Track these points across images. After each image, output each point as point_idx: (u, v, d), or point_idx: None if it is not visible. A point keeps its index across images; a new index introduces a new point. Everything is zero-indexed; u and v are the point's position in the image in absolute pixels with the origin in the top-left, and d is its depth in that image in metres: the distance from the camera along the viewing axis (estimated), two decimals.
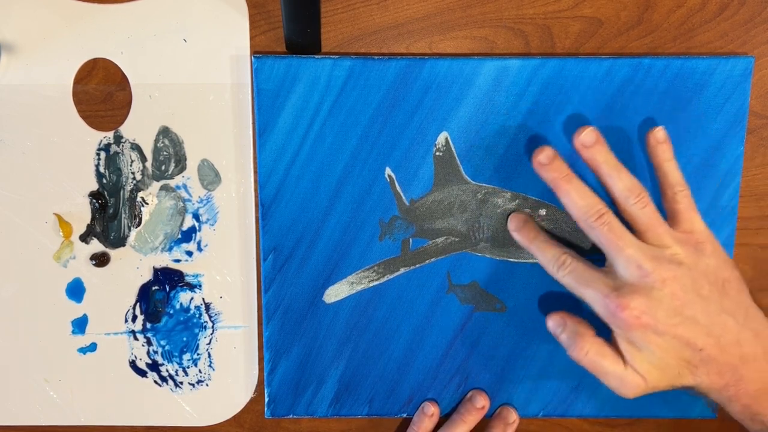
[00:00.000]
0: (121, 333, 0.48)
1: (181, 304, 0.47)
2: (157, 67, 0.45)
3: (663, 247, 0.40)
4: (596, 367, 0.40)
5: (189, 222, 0.47)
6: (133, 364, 0.48)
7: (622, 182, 0.40)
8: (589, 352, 0.40)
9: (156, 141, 0.46)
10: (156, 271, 0.47)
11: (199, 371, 0.48)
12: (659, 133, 0.42)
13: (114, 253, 0.47)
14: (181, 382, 0.48)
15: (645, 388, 0.40)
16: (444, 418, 0.48)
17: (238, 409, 0.49)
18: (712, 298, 0.39)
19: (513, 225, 0.45)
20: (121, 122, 0.46)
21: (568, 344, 0.41)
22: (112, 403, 0.49)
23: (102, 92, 0.46)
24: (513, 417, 0.47)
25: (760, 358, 0.39)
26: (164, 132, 0.46)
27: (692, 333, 0.38)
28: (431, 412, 0.47)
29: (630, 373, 0.40)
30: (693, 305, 0.39)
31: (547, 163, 0.41)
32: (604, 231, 0.40)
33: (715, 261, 0.40)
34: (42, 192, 0.46)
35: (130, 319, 0.48)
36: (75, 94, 0.46)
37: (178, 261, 0.47)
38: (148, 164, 0.46)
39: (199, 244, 0.47)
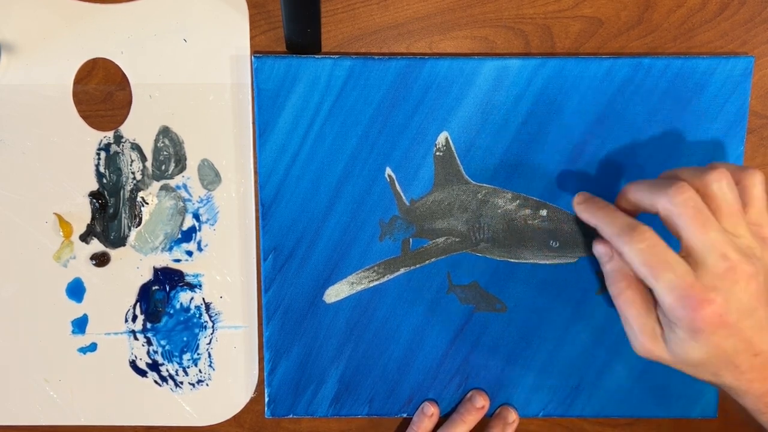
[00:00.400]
0: (121, 333, 0.48)
1: (181, 304, 0.47)
2: (157, 67, 0.45)
3: (738, 236, 0.36)
4: (623, 311, 0.38)
5: (189, 222, 0.47)
6: (133, 364, 0.48)
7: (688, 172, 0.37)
8: (624, 292, 0.38)
9: (156, 141, 0.46)
10: (156, 271, 0.47)
11: (199, 371, 0.48)
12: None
13: (114, 253, 0.47)
14: (181, 382, 0.48)
15: (659, 360, 0.38)
16: (444, 418, 0.48)
17: (238, 409, 0.49)
18: None
19: (578, 198, 0.41)
20: (121, 122, 0.46)
21: (609, 275, 0.39)
22: (112, 403, 0.49)
23: (102, 92, 0.46)
24: (512, 417, 0.47)
25: None
26: (164, 132, 0.46)
27: (758, 336, 0.36)
28: (431, 412, 0.47)
29: (654, 343, 0.37)
30: (765, 306, 0.36)
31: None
32: (690, 211, 0.35)
33: None
34: (42, 192, 0.46)
35: (130, 319, 0.48)
36: (75, 94, 0.46)
37: (178, 261, 0.47)
38: (148, 164, 0.46)
39: (199, 244, 0.47)
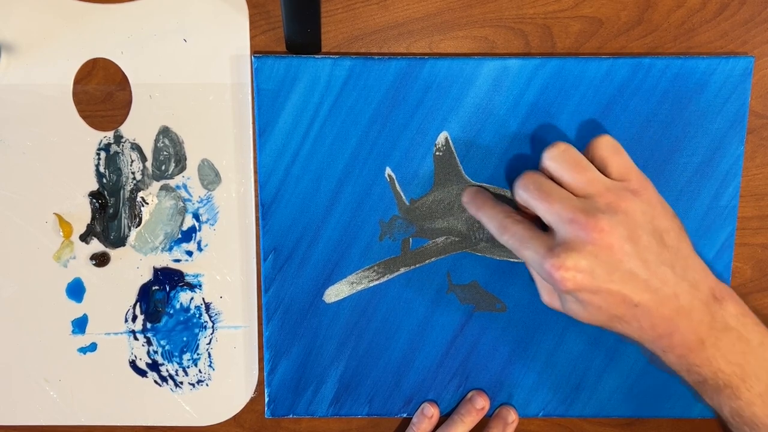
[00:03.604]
0: (121, 333, 0.48)
1: (181, 304, 0.47)
2: (157, 67, 0.45)
3: (596, 195, 0.38)
4: (521, 249, 0.39)
5: (189, 222, 0.47)
6: (133, 364, 0.48)
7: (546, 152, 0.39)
8: (517, 232, 0.39)
9: (156, 141, 0.46)
10: (156, 271, 0.47)
11: (199, 371, 0.48)
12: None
13: (114, 253, 0.47)
14: (181, 382, 0.48)
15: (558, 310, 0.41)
16: (445, 417, 0.48)
17: (238, 409, 0.49)
18: (651, 249, 0.37)
19: (465, 197, 0.44)
20: (121, 122, 0.46)
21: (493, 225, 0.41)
22: (112, 403, 0.49)
23: (102, 92, 0.46)
24: (512, 417, 0.47)
25: (696, 308, 0.38)
26: (164, 132, 0.46)
27: (629, 289, 0.37)
28: (431, 413, 0.47)
29: (552, 297, 0.41)
30: (631, 258, 0.37)
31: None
32: (532, 192, 0.38)
33: (652, 209, 0.38)
34: (42, 192, 0.46)
35: (130, 319, 0.48)
36: (75, 94, 0.46)
37: (178, 261, 0.47)
38: (148, 164, 0.46)
39: (199, 244, 0.47)
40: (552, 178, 0.39)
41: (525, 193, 0.39)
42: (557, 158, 0.39)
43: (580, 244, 0.37)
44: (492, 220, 0.41)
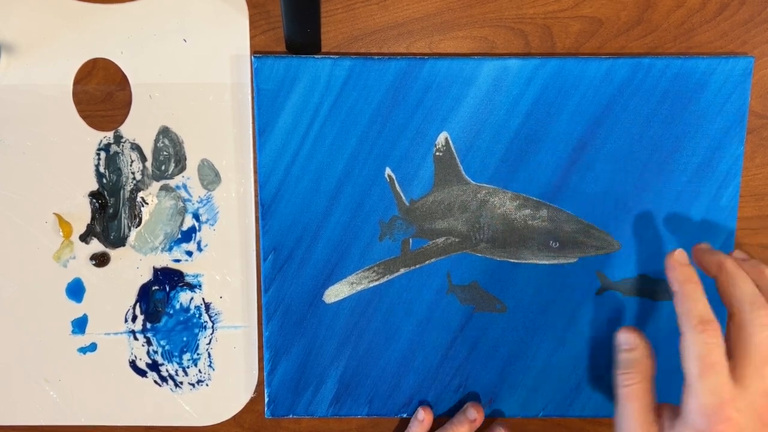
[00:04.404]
0: (121, 333, 0.48)
1: (181, 304, 0.47)
2: (157, 67, 0.45)
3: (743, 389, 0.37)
4: (625, 402, 0.40)
5: (189, 222, 0.47)
6: (133, 364, 0.48)
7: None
8: (635, 385, 0.40)
9: (156, 141, 0.46)
10: (156, 271, 0.47)
11: (199, 371, 0.48)
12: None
13: (114, 253, 0.47)
14: (181, 382, 0.48)
15: None
16: (443, 419, 0.48)
17: (238, 409, 0.49)
18: None
19: (678, 257, 0.41)
20: (121, 122, 0.46)
21: (623, 365, 0.41)
22: (112, 403, 0.49)
23: (102, 92, 0.46)
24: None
25: None
26: (164, 132, 0.46)
27: None
28: (422, 417, 0.47)
29: None
30: None
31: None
32: (764, 333, 0.37)
33: None
34: (42, 192, 0.46)
35: (130, 319, 0.48)
36: (75, 94, 0.46)
37: (178, 261, 0.47)
38: (148, 164, 0.46)
39: (199, 244, 0.47)
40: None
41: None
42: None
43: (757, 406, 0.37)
44: (695, 307, 0.38)
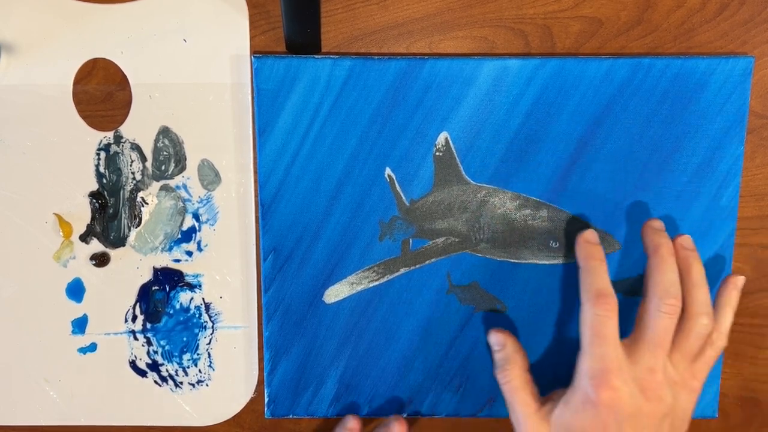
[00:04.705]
0: (121, 333, 0.48)
1: (181, 304, 0.47)
2: (157, 67, 0.45)
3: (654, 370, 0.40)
4: (510, 397, 0.42)
5: (189, 222, 0.47)
6: (133, 364, 0.48)
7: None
8: (511, 381, 0.42)
9: (156, 141, 0.46)
10: (156, 271, 0.47)
11: (199, 371, 0.48)
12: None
13: (114, 253, 0.47)
14: (181, 382, 0.48)
15: None
16: (432, 420, 0.48)
17: (238, 409, 0.49)
18: None
19: (586, 236, 0.43)
20: (121, 122, 0.46)
21: (498, 364, 0.43)
22: (112, 403, 0.49)
23: (102, 92, 0.46)
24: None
25: None
26: (164, 132, 0.46)
27: None
28: (351, 425, 0.46)
29: (540, 425, 0.41)
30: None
31: (659, 229, 0.43)
32: (663, 320, 0.40)
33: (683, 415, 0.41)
34: (42, 192, 0.46)
35: (130, 319, 0.48)
36: (75, 94, 0.46)
37: (178, 261, 0.47)
38: (148, 164, 0.46)
39: (199, 244, 0.47)
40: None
41: (658, 315, 0.41)
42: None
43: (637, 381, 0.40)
44: (593, 281, 0.41)
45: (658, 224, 0.43)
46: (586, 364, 0.40)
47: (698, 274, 0.42)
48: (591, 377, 0.39)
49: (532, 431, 0.41)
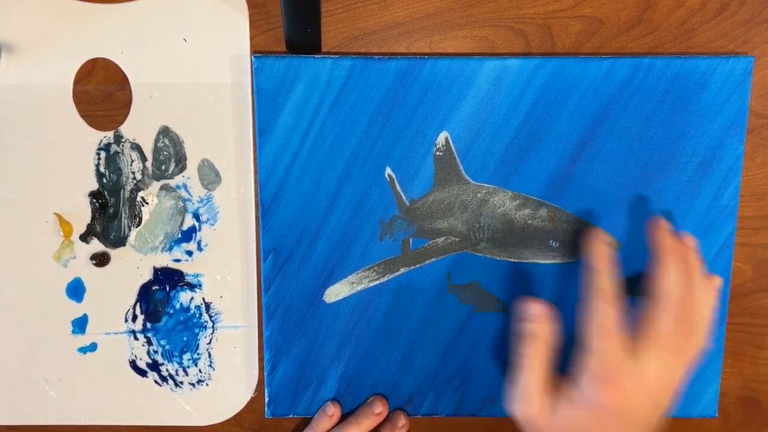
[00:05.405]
0: (121, 333, 0.48)
1: (181, 303, 0.47)
2: (157, 67, 0.45)
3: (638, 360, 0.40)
4: (523, 372, 0.41)
5: (189, 222, 0.47)
6: (133, 364, 0.48)
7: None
8: (535, 357, 0.41)
9: (156, 141, 0.46)
10: (156, 270, 0.47)
11: (199, 371, 0.48)
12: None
13: (114, 253, 0.47)
14: (181, 382, 0.48)
15: (527, 424, 0.41)
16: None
17: (238, 409, 0.49)
18: None
19: (599, 235, 0.43)
20: (121, 122, 0.46)
21: (532, 334, 0.42)
22: (112, 403, 0.49)
23: (102, 92, 0.46)
24: (402, 422, 0.47)
25: None
26: (164, 132, 0.46)
27: None
28: (331, 412, 0.47)
29: (540, 409, 0.40)
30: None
31: (664, 227, 0.42)
32: (665, 320, 0.40)
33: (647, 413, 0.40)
34: (42, 192, 0.46)
35: (130, 319, 0.48)
36: (75, 94, 0.46)
37: (178, 261, 0.47)
38: (148, 164, 0.46)
39: (199, 243, 0.47)
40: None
41: (658, 312, 0.40)
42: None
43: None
44: (602, 279, 0.41)
45: (663, 223, 0.43)
46: (590, 363, 0.40)
47: (700, 274, 0.42)
48: (595, 376, 0.39)
49: (529, 412, 0.41)
